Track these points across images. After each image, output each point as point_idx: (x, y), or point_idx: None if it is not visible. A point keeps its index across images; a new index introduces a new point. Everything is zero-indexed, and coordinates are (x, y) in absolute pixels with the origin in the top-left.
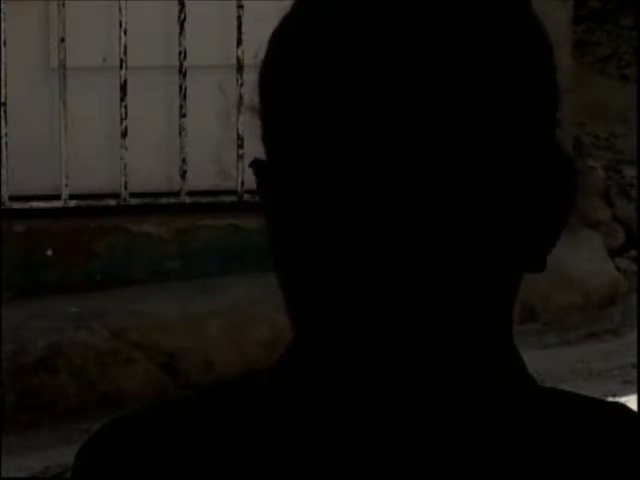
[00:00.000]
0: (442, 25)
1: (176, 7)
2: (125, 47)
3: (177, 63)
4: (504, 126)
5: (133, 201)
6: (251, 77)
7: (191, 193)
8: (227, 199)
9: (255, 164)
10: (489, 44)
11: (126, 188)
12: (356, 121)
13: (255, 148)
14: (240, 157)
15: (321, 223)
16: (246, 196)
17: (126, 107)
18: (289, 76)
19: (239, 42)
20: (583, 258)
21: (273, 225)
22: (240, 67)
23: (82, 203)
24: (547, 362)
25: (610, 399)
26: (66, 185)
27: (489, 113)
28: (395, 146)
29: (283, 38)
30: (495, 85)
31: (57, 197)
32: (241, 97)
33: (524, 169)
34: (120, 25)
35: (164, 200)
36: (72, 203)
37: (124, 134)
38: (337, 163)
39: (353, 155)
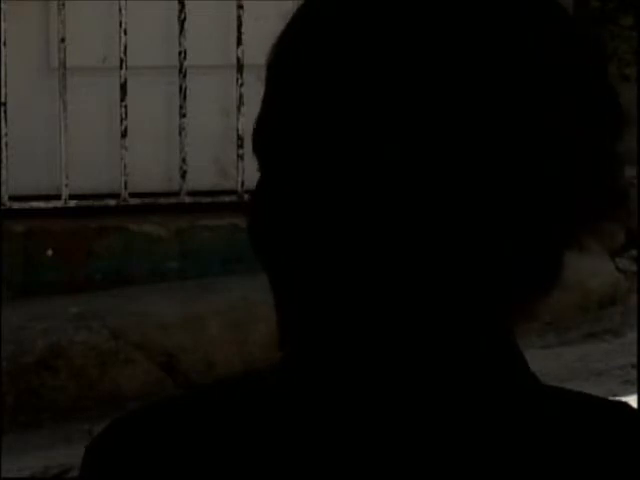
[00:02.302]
0: (447, 21)
1: (176, 7)
2: (125, 47)
3: (177, 63)
4: (510, 134)
5: (133, 201)
6: (251, 77)
7: (191, 193)
8: (227, 199)
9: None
10: (491, 44)
11: (126, 188)
12: (354, 123)
13: None
14: (240, 157)
15: (315, 224)
16: (246, 196)
17: (126, 107)
18: (290, 66)
19: (239, 42)
20: (583, 258)
21: (262, 224)
22: (240, 67)
23: (82, 203)
24: (547, 362)
25: (610, 399)
26: (66, 185)
27: (496, 119)
28: (393, 146)
29: (291, 27)
30: (501, 87)
31: (57, 197)
32: (241, 97)
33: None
34: (120, 25)
35: (164, 200)
36: (72, 203)
37: (124, 134)
38: (330, 166)
39: (347, 158)
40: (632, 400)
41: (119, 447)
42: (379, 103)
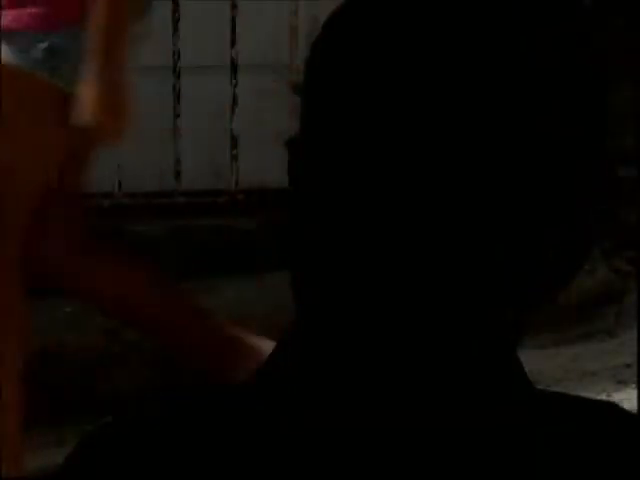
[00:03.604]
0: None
1: (170, 7)
2: None
3: (171, 63)
4: (529, 149)
5: (127, 201)
6: (245, 78)
7: (185, 193)
8: (221, 199)
9: (289, 142)
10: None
11: (120, 188)
12: (384, 125)
13: (249, 148)
14: (234, 157)
15: (338, 207)
16: (240, 196)
17: None
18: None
19: (233, 42)
20: None
21: (296, 202)
22: (234, 67)
23: None
24: (541, 362)
25: (604, 399)
26: None
27: (495, 124)
28: (418, 149)
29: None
30: (500, 93)
31: None
32: (235, 97)
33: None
34: None
35: (158, 200)
36: None
37: None
38: (360, 162)
39: (376, 154)
40: (626, 400)
41: (101, 454)
42: (378, 104)
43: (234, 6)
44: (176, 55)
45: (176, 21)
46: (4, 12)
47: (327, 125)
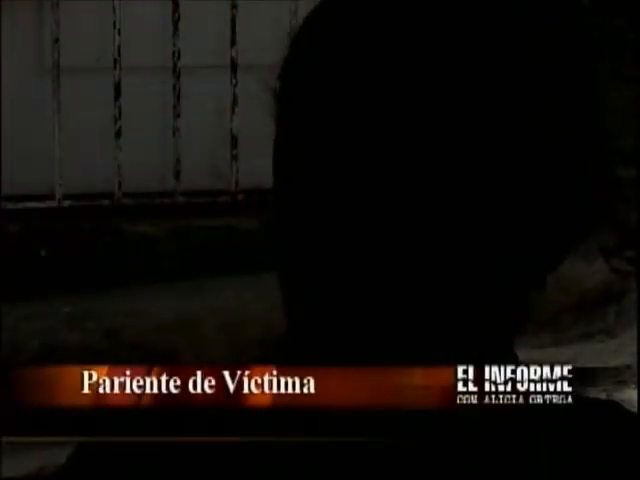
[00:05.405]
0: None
1: (170, 7)
2: (119, 47)
3: (171, 63)
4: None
5: (127, 201)
6: (245, 77)
7: (185, 193)
8: (221, 199)
9: None
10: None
11: (120, 188)
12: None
13: (249, 148)
14: (234, 157)
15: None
16: (240, 196)
17: (120, 107)
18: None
19: (233, 42)
20: (577, 258)
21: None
22: (234, 67)
23: (76, 203)
24: (541, 362)
25: (602, 399)
26: (60, 185)
27: (492, 126)
28: (402, 145)
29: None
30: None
31: (51, 197)
32: (235, 97)
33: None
34: (114, 25)
35: (158, 200)
36: (66, 203)
37: (118, 134)
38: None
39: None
40: (626, 400)
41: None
42: (376, 106)
43: (234, 6)
44: (176, 55)
45: (176, 21)
46: None
47: (306, 126)
